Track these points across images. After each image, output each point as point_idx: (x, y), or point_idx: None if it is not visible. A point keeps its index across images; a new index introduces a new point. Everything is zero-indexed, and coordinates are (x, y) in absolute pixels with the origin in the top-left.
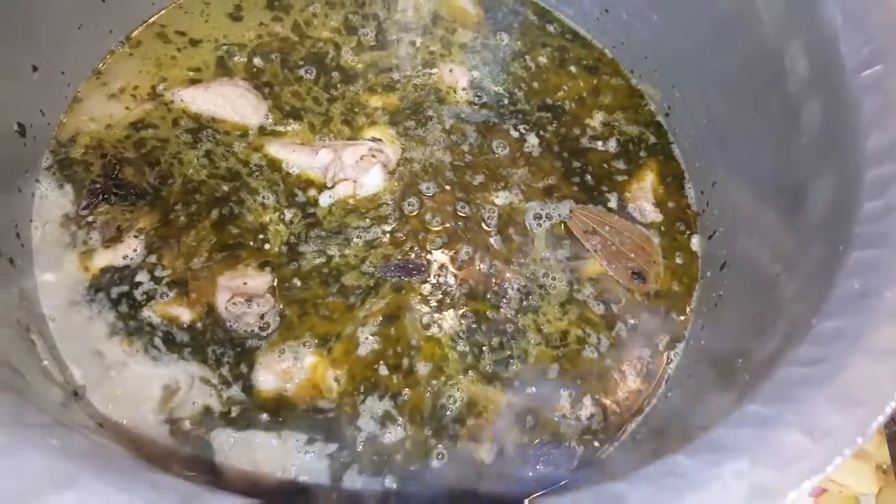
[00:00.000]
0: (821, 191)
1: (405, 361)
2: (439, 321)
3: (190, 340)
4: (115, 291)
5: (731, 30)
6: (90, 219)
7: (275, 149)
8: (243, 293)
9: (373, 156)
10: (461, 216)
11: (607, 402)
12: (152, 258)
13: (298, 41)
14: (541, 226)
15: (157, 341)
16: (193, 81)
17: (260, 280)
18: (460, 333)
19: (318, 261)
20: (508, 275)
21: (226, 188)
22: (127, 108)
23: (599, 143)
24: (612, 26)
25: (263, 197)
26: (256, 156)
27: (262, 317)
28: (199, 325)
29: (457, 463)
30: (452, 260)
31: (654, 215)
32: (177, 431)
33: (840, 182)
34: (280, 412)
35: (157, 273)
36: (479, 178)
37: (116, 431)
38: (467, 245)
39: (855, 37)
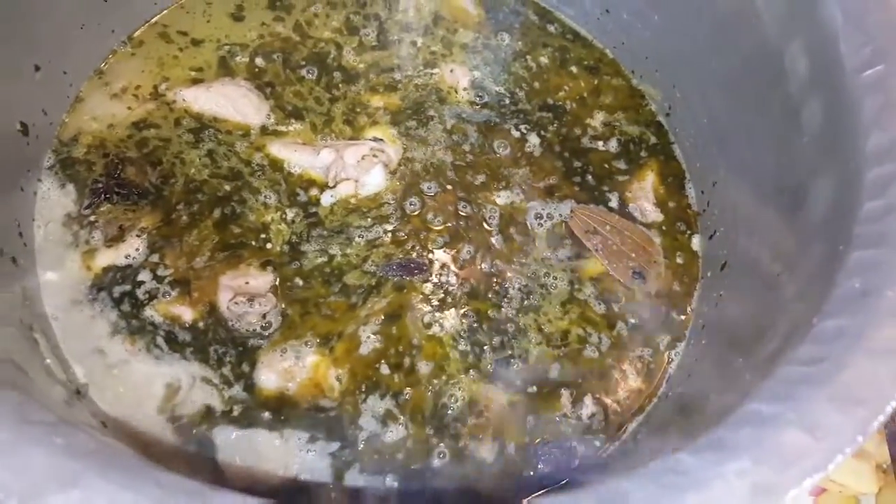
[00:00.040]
0: (821, 191)
1: (406, 360)
2: (441, 320)
3: (192, 340)
4: (117, 291)
5: (731, 30)
6: (92, 218)
7: (276, 148)
8: (245, 292)
9: (374, 155)
10: (462, 216)
11: (608, 401)
12: (154, 257)
13: (300, 41)
14: (542, 225)
15: (160, 340)
16: (195, 81)
17: (262, 279)
18: (461, 333)
19: (319, 260)
20: (510, 274)
21: (228, 188)
22: (129, 107)
23: (600, 143)
24: (613, 26)
25: (265, 196)
26: (258, 155)
27: (263, 316)
28: (200, 324)
29: (458, 462)
30: (454, 259)
31: (654, 215)
32: (179, 430)
33: (840, 182)
34: (282, 411)
35: (160, 272)
36: (481, 178)
37: (119, 430)
38: (469, 244)
39: (855, 37)
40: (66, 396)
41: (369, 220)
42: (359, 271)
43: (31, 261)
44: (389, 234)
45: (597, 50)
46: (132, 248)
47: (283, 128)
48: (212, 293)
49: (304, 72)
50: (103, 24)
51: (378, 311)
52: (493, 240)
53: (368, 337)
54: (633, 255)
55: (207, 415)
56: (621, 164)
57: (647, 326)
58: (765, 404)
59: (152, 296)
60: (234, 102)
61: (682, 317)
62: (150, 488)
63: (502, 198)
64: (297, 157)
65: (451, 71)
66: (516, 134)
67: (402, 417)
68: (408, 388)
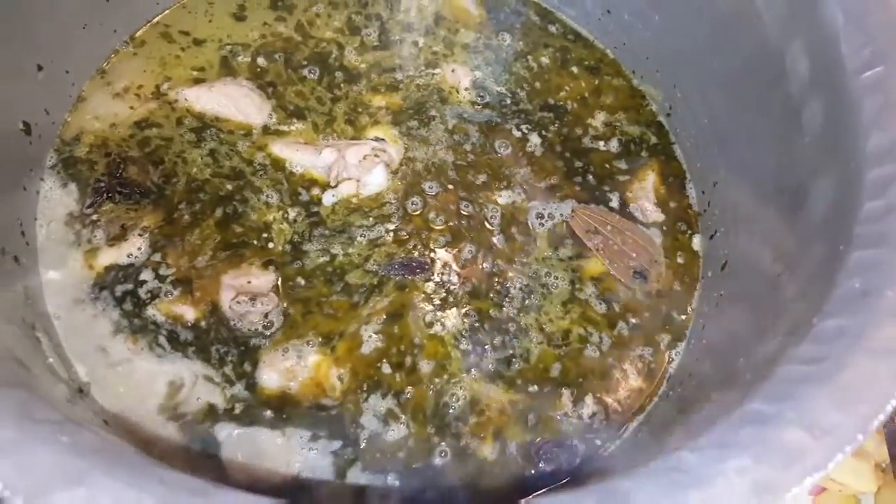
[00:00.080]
0: (822, 191)
1: (408, 360)
2: (442, 319)
3: (194, 339)
4: (119, 290)
5: (732, 30)
6: (94, 217)
7: (278, 148)
8: (247, 292)
9: (376, 155)
10: (464, 215)
11: (609, 400)
12: (157, 257)
13: (302, 41)
14: (543, 225)
15: (162, 339)
16: (197, 81)
17: (264, 279)
18: (463, 332)
19: (321, 259)
20: (511, 274)
21: (230, 187)
22: (131, 107)
23: (601, 143)
24: (614, 27)
25: (267, 196)
26: (260, 155)
27: (266, 315)
28: (203, 323)
29: (459, 461)
30: (455, 258)
31: (655, 215)
32: (181, 428)
33: (841, 182)
34: (284, 410)
35: (162, 271)
36: (482, 178)
37: (121, 428)
38: (470, 244)
39: (856, 37)
40: (68, 395)
41: (371, 219)
42: (361, 270)
43: (34, 260)
44: (391, 234)
45: (598, 50)
46: (134, 248)
47: (284, 127)
48: (214, 292)
49: (305, 71)
50: (105, 24)
51: (380, 310)
52: (494, 239)
53: (370, 336)
54: (634, 254)
55: (210, 413)
56: (622, 165)
57: (647, 326)
58: (765, 403)
59: (154, 295)
60: (236, 102)
61: (683, 316)
62: (155, 486)
63: (504, 197)
64: (299, 156)
65: (453, 71)
66: (517, 134)
67: (403, 416)
68: (409, 387)
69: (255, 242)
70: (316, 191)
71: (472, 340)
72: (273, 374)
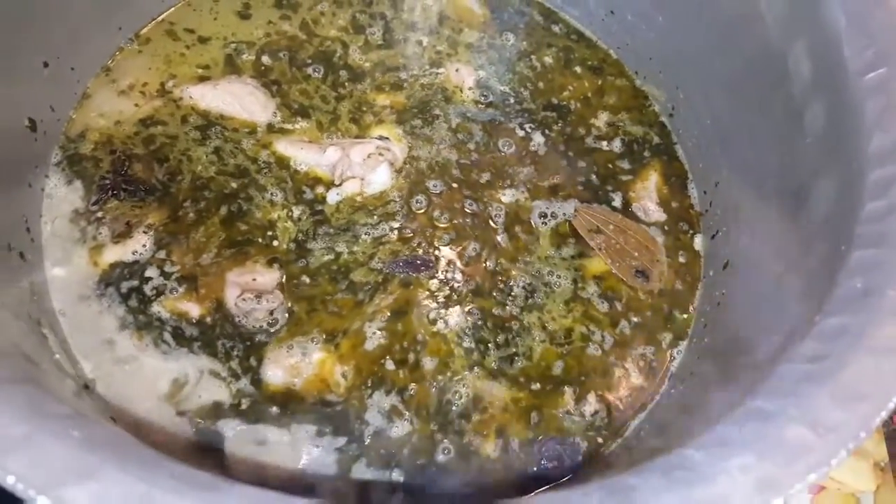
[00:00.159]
0: (823, 191)
1: (411, 356)
2: (446, 317)
3: (199, 335)
4: (124, 286)
5: (734, 32)
6: (99, 214)
7: (283, 146)
8: (252, 289)
9: (380, 154)
10: (468, 213)
11: (611, 398)
12: (161, 254)
13: (306, 39)
14: (546, 224)
15: (167, 336)
16: (202, 79)
17: (269, 276)
18: (466, 330)
19: (326, 258)
20: (514, 272)
21: (234, 185)
22: (136, 104)
23: (604, 142)
24: (618, 27)
25: (272, 194)
26: (265, 153)
27: (270, 312)
28: (208, 319)
29: (462, 458)
30: (459, 256)
31: (657, 215)
32: (186, 424)
33: (842, 183)
34: (289, 406)
35: (167, 269)
36: (486, 177)
37: (127, 424)
38: (474, 242)
39: (858, 39)
40: (75, 391)
41: (375, 217)
42: (365, 268)
43: (39, 256)
44: (396, 232)
45: (601, 50)
46: (139, 245)
47: (289, 126)
48: (219, 290)
49: (310, 70)
50: (111, 22)
51: (384, 307)
52: (498, 238)
53: (374, 333)
54: (636, 254)
55: (215, 408)
56: (625, 164)
57: (649, 325)
58: (768, 401)
59: (159, 292)
60: (240, 100)
61: (685, 315)
62: (165, 480)
63: (507, 196)
64: (304, 154)
65: (457, 70)
66: (521, 133)
67: (407, 413)
68: (413, 384)
69: (260, 240)
70: (320, 189)
71: (475, 338)
72: (278, 371)
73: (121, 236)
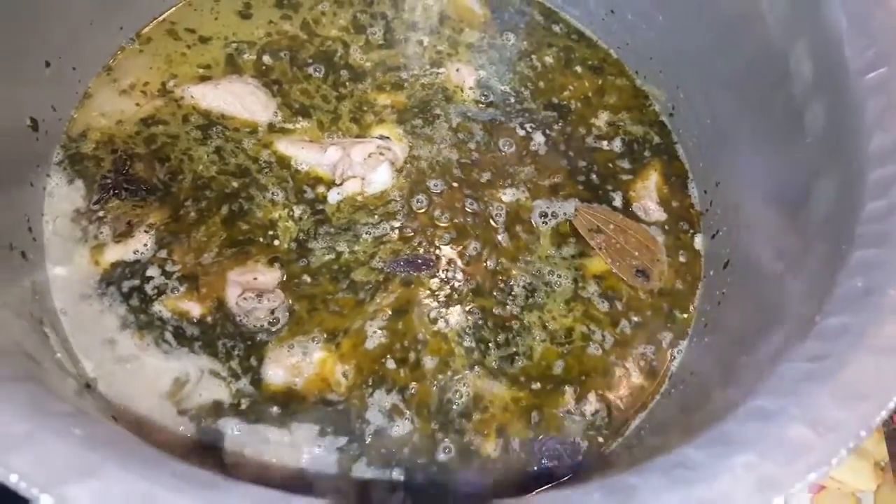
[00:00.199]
0: (824, 191)
1: (412, 355)
2: (446, 316)
3: (200, 334)
4: (126, 286)
5: (735, 32)
6: (101, 213)
7: (284, 146)
8: (253, 288)
9: (381, 153)
10: (469, 212)
11: (611, 398)
12: (163, 253)
13: (307, 39)
14: (546, 223)
15: (168, 335)
16: (203, 78)
17: (270, 276)
18: (467, 329)
19: (327, 257)
20: (514, 272)
21: (235, 184)
22: (137, 104)
23: (605, 142)
24: (618, 27)
25: (273, 193)
26: (266, 153)
27: (272, 312)
28: (209, 318)
29: (463, 457)
30: (460, 255)
31: (658, 214)
32: (187, 423)
33: (843, 183)
34: (289, 405)
35: (168, 268)
36: (486, 176)
37: (128, 423)
38: (475, 241)
39: (859, 39)
40: (76, 389)
41: (376, 217)
42: (366, 268)
43: (41, 255)
44: (396, 231)
45: (601, 50)
46: (140, 244)
47: (290, 125)
48: (220, 289)
49: (311, 70)
50: (112, 21)
51: (385, 306)
52: (499, 237)
53: (375, 332)
54: (637, 253)
55: (216, 408)
56: (625, 164)
57: (649, 324)
58: (769, 400)
59: (161, 291)
60: (241, 100)
61: (685, 315)
62: (167, 478)
63: (508, 195)
64: (304, 154)
65: (457, 70)
66: (521, 133)
67: (408, 412)
68: (413, 383)
69: (261, 240)
70: (321, 189)
71: (475, 338)
72: (279, 371)
73: (122, 235)
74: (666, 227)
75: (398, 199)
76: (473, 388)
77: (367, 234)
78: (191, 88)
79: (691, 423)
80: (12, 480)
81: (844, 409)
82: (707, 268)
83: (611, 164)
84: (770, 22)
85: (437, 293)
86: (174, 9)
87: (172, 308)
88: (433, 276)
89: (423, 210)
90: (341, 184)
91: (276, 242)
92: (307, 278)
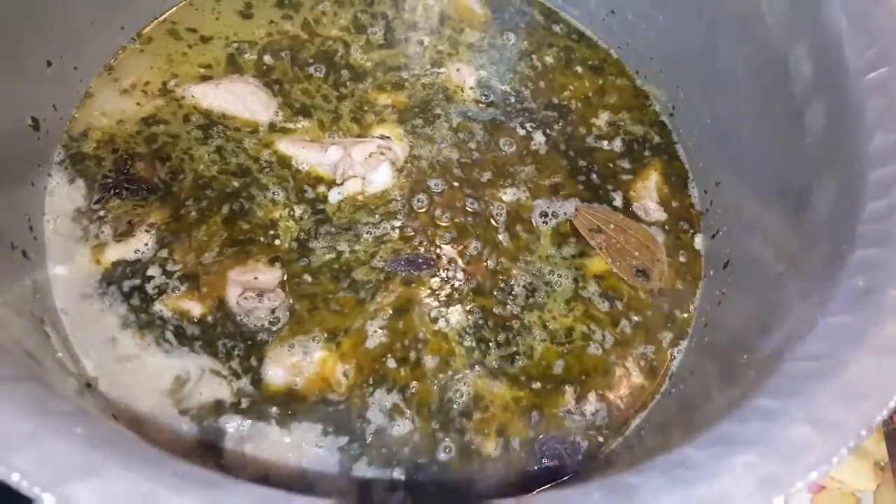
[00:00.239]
0: (824, 191)
1: (412, 355)
2: (447, 316)
3: (201, 334)
4: (126, 285)
5: (735, 32)
6: (102, 213)
7: (284, 145)
8: (254, 288)
9: (381, 153)
10: (470, 212)
11: (612, 397)
12: (163, 253)
13: (308, 39)
14: (547, 223)
15: (169, 334)
16: (204, 78)
17: (270, 275)
18: (467, 328)
19: (328, 257)
20: (515, 271)
21: (236, 184)
22: (138, 103)
23: (605, 142)
24: (618, 27)
25: (273, 193)
26: (266, 152)
27: (272, 311)
28: (209, 318)
29: (463, 456)
30: (461, 254)
31: (658, 214)
32: (188, 422)
33: (843, 183)
34: (290, 405)
35: (169, 267)
36: (487, 175)
37: (129, 422)
38: (476, 240)
39: (859, 40)
40: (77, 388)
41: (377, 216)
42: (367, 267)
43: (42, 255)
44: (397, 231)
45: (602, 50)
46: (141, 243)
47: (291, 125)
48: (220, 288)
49: (311, 69)
50: (113, 21)
51: (386, 305)
52: (499, 237)
53: (375, 331)
54: (637, 253)
55: (216, 407)
56: (625, 164)
57: (650, 324)
58: (770, 399)
59: (161, 290)
60: (242, 99)
61: (685, 315)
62: (168, 477)
63: (508, 195)
64: (305, 154)
65: (458, 70)
66: (522, 132)
67: (408, 411)
68: (414, 383)
69: (262, 239)
70: (322, 188)
71: (476, 337)
72: (279, 371)
73: (123, 235)
74: (666, 226)
75: (399, 198)
76: (474, 387)
77: (367, 233)
78: (192, 88)
79: (691, 422)
80: (14, 479)
81: (845, 409)
82: (707, 268)
83: (611, 164)
84: (770, 22)
85: (437, 292)
86: (175, 8)
87: (173, 307)
88: (434, 276)
89: (423, 209)
90: (342, 183)
91: (277, 242)
92: (308, 278)
